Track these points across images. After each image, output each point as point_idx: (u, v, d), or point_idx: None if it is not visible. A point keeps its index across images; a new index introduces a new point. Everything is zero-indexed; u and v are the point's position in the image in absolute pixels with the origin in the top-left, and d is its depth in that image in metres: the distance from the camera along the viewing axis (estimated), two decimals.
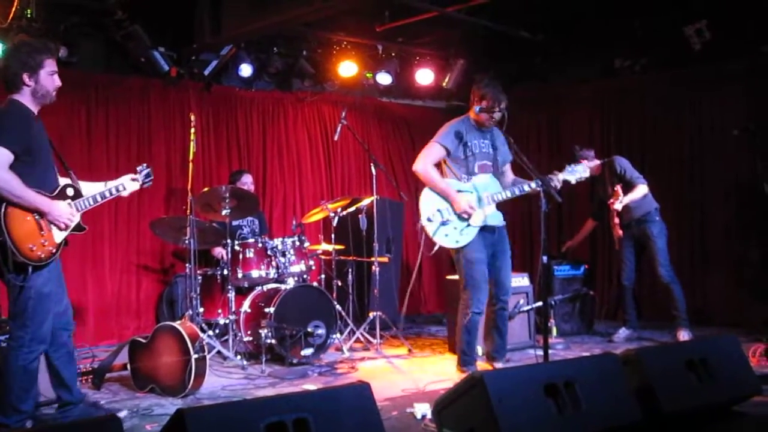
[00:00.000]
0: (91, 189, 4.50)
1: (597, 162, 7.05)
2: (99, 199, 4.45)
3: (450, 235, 5.34)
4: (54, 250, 4.19)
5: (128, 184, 4.61)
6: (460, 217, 5.33)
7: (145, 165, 4.76)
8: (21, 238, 4.02)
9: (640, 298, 7.30)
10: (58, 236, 4.21)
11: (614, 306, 8.75)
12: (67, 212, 4.23)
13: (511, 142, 5.23)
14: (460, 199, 5.30)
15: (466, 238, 5.34)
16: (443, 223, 5.32)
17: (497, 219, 5.44)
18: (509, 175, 5.67)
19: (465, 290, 5.43)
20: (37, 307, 4.14)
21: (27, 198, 4.05)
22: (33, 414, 4.34)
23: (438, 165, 5.50)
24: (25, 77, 4.15)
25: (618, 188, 6.67)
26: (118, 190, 4.55)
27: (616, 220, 6.86)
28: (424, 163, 5.45)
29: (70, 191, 4.33)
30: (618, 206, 6.69)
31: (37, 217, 4.11)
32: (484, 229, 5.40)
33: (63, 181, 4.40)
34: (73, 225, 4.29)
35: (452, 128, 5.48)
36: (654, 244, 6.79)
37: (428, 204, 5.40)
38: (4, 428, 4.10)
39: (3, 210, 3.99)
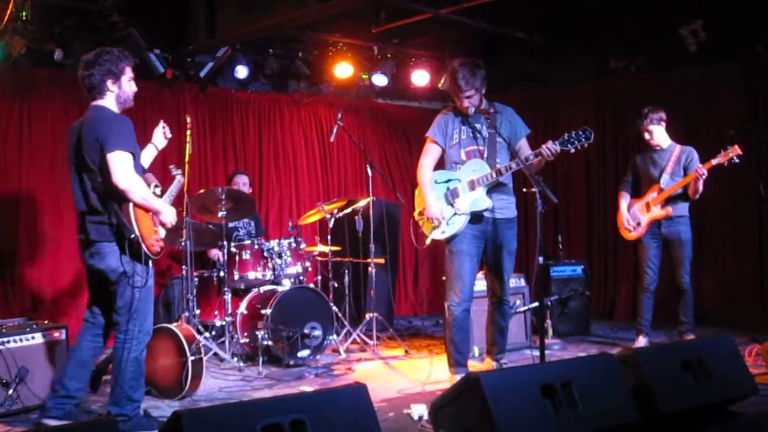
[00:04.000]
0: None
1: (663, 125, 6.55)
2: (171, 197, 4.74)
3: (438, 226, 5.28)
4: (162, 245, 4.46)
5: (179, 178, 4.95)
6: (447, 205, 5.27)
7: (174, 165, 5.08)
8: (146, 234, 4.29)
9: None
10: (162, 233, 4.49)
11: (607, 310, 8.78)
12: (173, 213, 4.50)
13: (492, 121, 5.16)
14: (431, 208, 5.27)
15: (452, 228, 5.23)
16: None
17: (484, 204, 5.21)
18: (524, 153, 5.27)
19: (445, 283, 5.38)
20: (143, 300, 4.39)
21: (150, 200, 4.34)
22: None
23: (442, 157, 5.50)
24: (109, 83, 4.41)
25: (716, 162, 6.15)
26: (177, 188, 4.87)
27: (655, 212, 6.48)
28: (420, 163, 5.49)
29: (157, 191, 4.54)
30: (701, 182, 6.26)
31: (151, 215, 4.38)
32: (474, 219, 5.25)
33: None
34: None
35: (437, 120, 5.47)
36: (684, 249, 6.48)
37: (419, 198, 5.44)
38: (124, 417, 4.33)
39: (131, 208, 4.23)
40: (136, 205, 4.24)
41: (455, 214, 5.24)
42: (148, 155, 4.78)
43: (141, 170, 4.48)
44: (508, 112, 5.37)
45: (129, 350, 4.36)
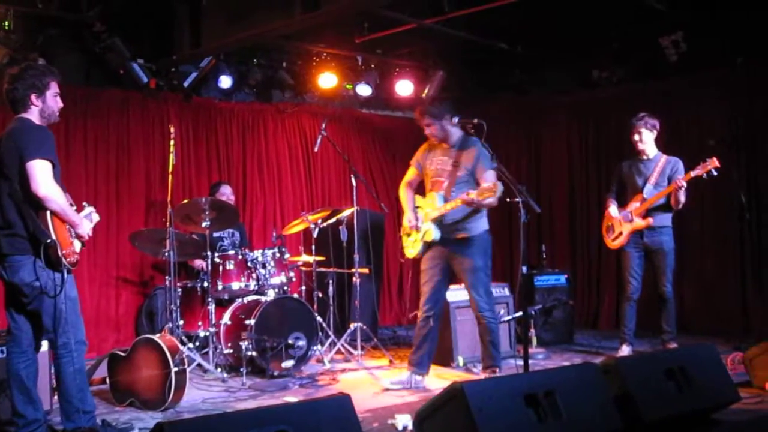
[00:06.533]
0: None
1: (655, 133, 6.62)
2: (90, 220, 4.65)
3: (406, 246, 5.83)
4: (78, 257, 4.42)
5: (94, 216, 4.72)
6: (414, 230, 5.73)
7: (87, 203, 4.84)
8: (63, 243, 4.25)
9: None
10: (78, 247, 4.44)
11: (591, 319, 8.82)
12: (89, 226, 4.50)
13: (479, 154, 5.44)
14: (405, 217, 5.78)
15: (414, 250, 5.75)
16: (407, 235, 5.81)
17: (432, 236, 5.59)
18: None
19: None
20: (71, 311, 4.35)
21: (68, 211, 4.31)
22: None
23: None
24: (33, 98, 4.40)
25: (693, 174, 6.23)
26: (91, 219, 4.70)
27: (636, 223, 6.53)
28: (402, 183, 5.97)
29: (73, 208, 4.48)
30: (682, 193, 6.32)
31: (68, 226, 4.34)
32: (431, 242, 5.64)
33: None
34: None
35: (419, 149, 5.90)
36: (666, 258, 6.52)
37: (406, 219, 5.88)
38: (79, 429, 4.30)
39: (48, 216, 4.21)
40: (53, 213, 4.22)
41: (415, 240, 5.75)
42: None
43: (61, 186, 4.42)
44: (478, 146, 5.54)
45: (70, 364, 4.31)
